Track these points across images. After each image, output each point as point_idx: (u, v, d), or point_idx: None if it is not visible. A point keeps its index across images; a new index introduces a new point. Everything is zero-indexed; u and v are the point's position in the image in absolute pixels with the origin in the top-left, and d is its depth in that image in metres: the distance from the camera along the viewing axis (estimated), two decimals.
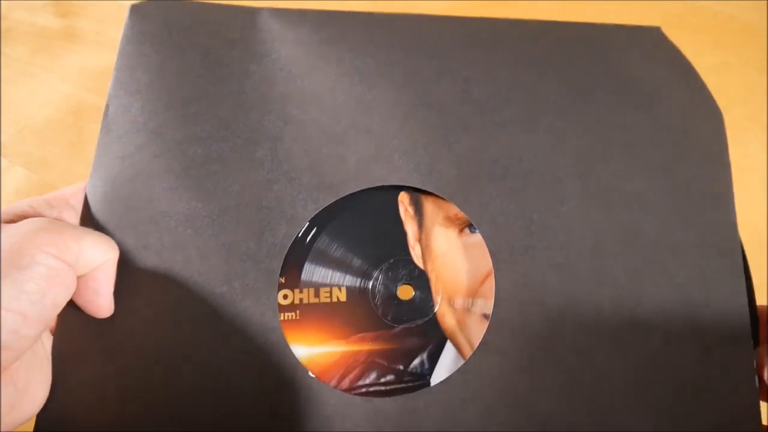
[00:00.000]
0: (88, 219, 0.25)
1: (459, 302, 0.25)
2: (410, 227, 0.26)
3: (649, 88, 0.28)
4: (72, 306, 0.24)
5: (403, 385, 0.24)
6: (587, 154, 0.27)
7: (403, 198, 0.27)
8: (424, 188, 0.26)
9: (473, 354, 0.24)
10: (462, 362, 0.24)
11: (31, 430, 0.23)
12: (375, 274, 0.26)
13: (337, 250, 0.26)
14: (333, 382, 0.24)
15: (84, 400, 0.23)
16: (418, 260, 0.26)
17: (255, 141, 0.27)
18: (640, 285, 0.25)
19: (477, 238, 0.26)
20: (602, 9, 0.48)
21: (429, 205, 0.26)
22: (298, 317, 0.25)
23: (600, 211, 0.26)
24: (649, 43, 0.29)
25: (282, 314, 0.25)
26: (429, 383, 0.24)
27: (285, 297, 0.25)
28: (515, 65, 0.28)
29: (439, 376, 0.24)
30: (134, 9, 0.29)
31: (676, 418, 0.23)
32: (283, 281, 0.25)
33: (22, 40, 0.46)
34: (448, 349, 0.25)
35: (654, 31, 0.30)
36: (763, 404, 0.23)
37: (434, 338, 0.25)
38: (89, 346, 0.24)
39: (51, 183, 0.40)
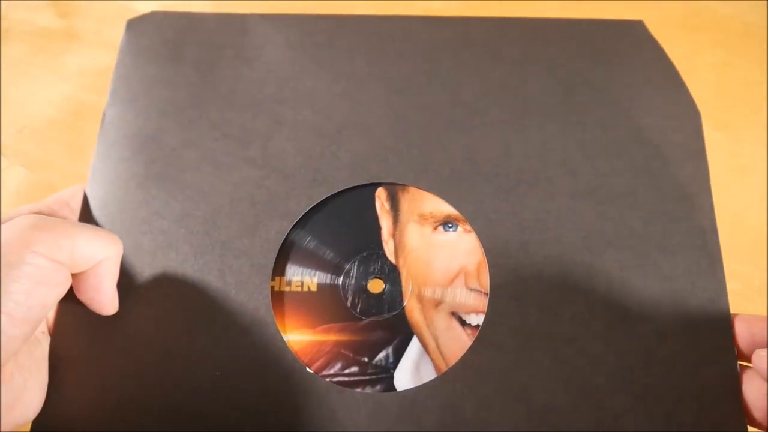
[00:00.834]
0: (87, 220, 0.26)
1: (428, 298, 0.25)
2: (385, 222, 0.27)
3: (631, 86, 0.28)
4: (69, 307, 0.24)
5: (367, 378, 0.24)
6: (575, 152, 0.27)
7: (380, 193, 0.27)
8: (417, 187, 0.27)
9: (475, 344, 0.24)
10: (426, 357, 0.24)
11: (28, 430, 0.23)
12: (347, 267, 0.26)
13: (310, 242, 0.26)
14: None
15: (82, 400, 0.23)
16: (390, 255, 0.26)
17: (247, 141, 0.27)
18: (629, 279, 0.25)
19: (451, 236, 0.26)
20: (602, 9, 0.47)
21: (405, 202, 0.27)
22: None
23: (589, 207, 0.26)
24: (631, 39, 0.30)
25: None
26: (392, 377, 0.24)
27: None
28: (503, 65, 0.29)
29: (403, 370, 0.24)
30: (131, 24, 0.30)
31: (665, 406, 0.23)
32: None
33: (22, 40, 0.46)
34: (414, 344, 0.25)
35: (637, 26, 0.30)
36: None
37: (401, 332, 0.25)
38: (86, 346, 0.24)
39: (51, 183, 0.40)
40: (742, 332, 0.23)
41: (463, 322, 0.25)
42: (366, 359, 0.24)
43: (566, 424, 0.23)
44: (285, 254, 0.26)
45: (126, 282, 0.25)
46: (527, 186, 0.26)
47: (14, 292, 0.20)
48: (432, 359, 0.24)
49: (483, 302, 0.25)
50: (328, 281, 0.26)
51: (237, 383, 0.24)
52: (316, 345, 0.25)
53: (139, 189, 0.27)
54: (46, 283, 0.21)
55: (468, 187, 0.26)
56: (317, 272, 0.26)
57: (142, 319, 0.25)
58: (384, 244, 0.26)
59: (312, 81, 0.29)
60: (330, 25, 0.30)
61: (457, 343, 0.24)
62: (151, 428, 0.23)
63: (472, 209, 0.26)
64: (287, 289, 0.25)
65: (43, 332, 0.24)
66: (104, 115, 0.28)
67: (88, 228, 0.23)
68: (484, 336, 0.24)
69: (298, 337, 0.25)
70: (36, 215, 0.22)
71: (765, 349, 0.22)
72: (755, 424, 0.23)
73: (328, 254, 0.26)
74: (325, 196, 0.26)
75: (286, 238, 0.26)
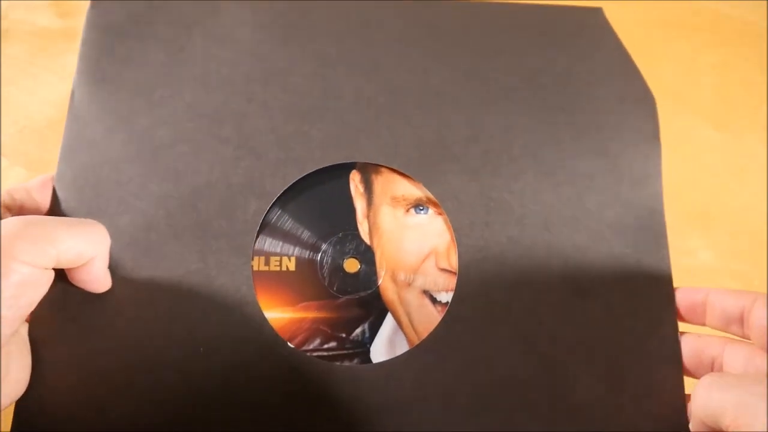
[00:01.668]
0: (57, 208, 0.26)
1: (401, 277, 0.27)
2: (360, 204, 0.28)
3: (590, 71, 0.30)
4: (50, 290, 0.24)
5: (345, 352, 0.26)
6: (537, 134, 0.29)
7: (355, 176, 0.28)
8: (389, 167, 0.28)
9: (445, 320, 0.26)
10: (399, 333, 0.26)
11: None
12: (324, 247, 0.27)
13: (287, 223, 0.27)
14: None
15: (64, 380, 0.24)
16: (365, 236, 0.27)
17: (220, 120, 0.28)
18: (584, 257, 0.27)
19: (422, 218, 0.27)
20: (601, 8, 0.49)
21: (378, 185, 0.28)
22: None
23: (550, 188, 0.28)
24: (590, 26, 0.32)
25: None
26: (368, 351, 0.26)
27: None
28: (469, 50, 0.30)
29: (378, 344, 0.26)
30: (94, 6, 0.29)
31: (615, 371, 0.26)
32: None
33: (22, 40, 0.46)
34: (388, 321, 0.26)
35: (596, 13, 0.32)
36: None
37: (376, 310, 0.26)
38: (68, 327, 0.25)
39: None
40: (681, 301, 0.26)
41: (434, 300, 0.27)
42: (343, 335, 0.26)
43: (527, 390, 0.25)
44: (263, 234, 0.27)
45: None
46: (493, 167, 0.28)
47: (5, 298, 0.21)
48: (405, 334, 0.26)
49: (452, 281, 0.26)
50: (305, 260, 0.27)
51: (220, 360, 0.25)
52: (296, 322, 0.26)
53: (113, 171, 0.27)
54: (31, 286, 0.22)
55: (437, 168, 0.28)
56: (295, 252, 0.27)
57: (124, 299, 0.25)
58: (359, 225, 0.27)
59: (283, 62, 0.29)
60: (301, 7, 0.30)
61: (429, 319, 0.26)
62: (135, 405, 0.24)
63: (441, 190, 0.28)
64: (266, 268, 0.26)
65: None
66: (72, 94, 0.28)
67: (74, 227, 0.24)
68: (452, 312, 0.26)
69: (279, 314, 0.26)
70: (20, 219, 0.23)
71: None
72: (689, 374, 0.26)
73: (306, 234, 0.27)
74: (300, 177, 0.27)
75: (263, 218, 0.27)
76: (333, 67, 0.29)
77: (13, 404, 0.24)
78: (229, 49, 0.29)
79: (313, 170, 0.27)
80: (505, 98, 0.29)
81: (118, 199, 0.26)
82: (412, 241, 0.27)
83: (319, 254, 0.27)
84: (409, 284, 0.27)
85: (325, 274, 0.27)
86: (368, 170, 0.28)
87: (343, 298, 0.27)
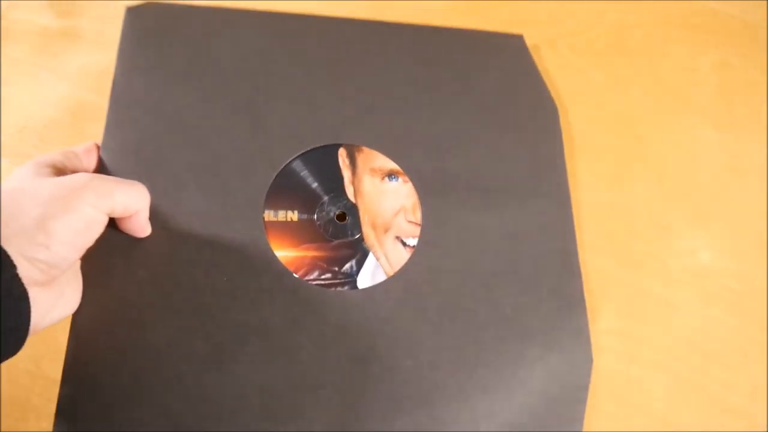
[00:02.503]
0: (104, 170, 0.33)
1: (378, 228, 0.35)
2: (346, 173, 0.36)
3: (508, 86, 0.41)
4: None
5: (338, 281, 0.34)
6: (468, 127, 0.39)
7: (342, 152, 0.36)
8: (370, 147, 0.36)
9: (412, 257, 0.34)
10: (380, 269, 0.34)
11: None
12: (320, 204, 0.35)
13: (291, 185, 0.35)
14: None
15: (110, 303, 0.30)
16: (351, 197, 0.36)
17: (236, 107, 0.36)
18: (501, 217, 0.36)
19: (394, 184, 0.36)
20: (601, 8, 0.47)
21: (360, 160, 0.36)
22: None
23: (484, 165, 0.37)
24: (510, 50, 0.42)
25: None
26: (356, 281, 0.34)
27: None
28: (416, 67, 0.40)
29: (363, 275, 0.34)
30: (130, 11, 0.38)
31: (523, 340, 0.33)
32: None
33: (22, 40, 0.45)
34: (370, 258, 0.34)
35: (516, 39, 0.43)
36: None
37: (360, 250, 0.35)
38: (115, 262, 0.31)
39: None
40: None
41: (404, 244, 0.35)
42: (336, 269, 0.34)
43: (472, 303, 0.34)
44: (273, 194, 0.34)
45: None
46: (445, 148, 0.37)
47: (77, 228, 0.27)
48: (383, 268, 0.34)
49: (417, 230, 0.35)
50: (305, 214, 0.35)
51: (241, 286, 0.32)
52: (299, 259, 0.34)
53: (150, 143, 0.34)
54: (95, 226, 0.28)
55: (405, 148, 0.37)
56: (297, 207, 0.35)
57: (161, 240, 0.32)
58: (346, 189, 0.36)
59: (284, 67, 0.38)
60: (299, 23, 0.39)
61: (400, 257, 0.34)
62: (170, 320, 0.31)
63: (407, 164, 0.36)
64: (275, 219, 0.34)
65: None
66: (114, 83, 0.35)
67: (125, 185, 0.30)
68: (418, 252, 0.34)
69: (285, 253, 0.33)
70: (88, 174, 0.28)
71: None
72: None
73: (305, 194, 0.35)
74: (301, 152, 0.35)
75: (273, 181, 0.34)
76: (321, 73, 0.38)
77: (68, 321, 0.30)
78: (242, 51, 0.37)
79: (311, 148, 0.36)
80: (443, 103, 0.39)
81: (155, 165, 0.33)
82: (386, 201, 0.36)
83: (316, 209, 0.35)
84: (385, 232, 0.35)
85: (321, 224, 0.35)
86: (353, 149, 0.37)
87: (335, 242, 0.34)
